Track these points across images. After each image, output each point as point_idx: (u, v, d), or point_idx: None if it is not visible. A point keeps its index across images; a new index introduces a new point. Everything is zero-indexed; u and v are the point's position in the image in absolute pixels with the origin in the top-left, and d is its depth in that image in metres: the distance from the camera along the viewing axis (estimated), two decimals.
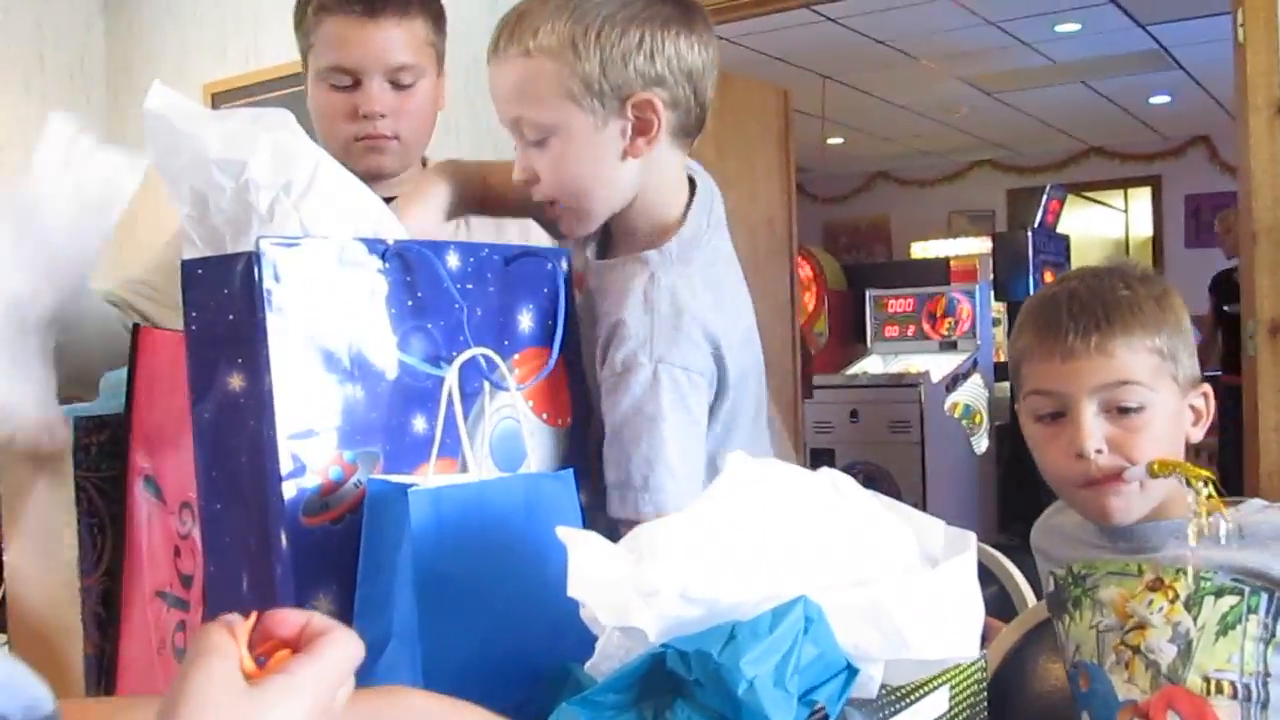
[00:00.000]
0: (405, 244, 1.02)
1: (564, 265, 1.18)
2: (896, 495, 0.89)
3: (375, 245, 0.99)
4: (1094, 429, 1.18)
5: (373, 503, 0.90)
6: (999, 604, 1.51)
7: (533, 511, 0.92)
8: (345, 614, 0.93)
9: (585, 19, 1.17)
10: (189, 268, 0.99)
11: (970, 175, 10.10)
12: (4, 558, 1.17)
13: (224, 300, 0.95)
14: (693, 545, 0.61)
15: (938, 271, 7.49)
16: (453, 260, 1.05)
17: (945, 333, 6.96)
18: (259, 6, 4.84)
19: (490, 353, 1.03)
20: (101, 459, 1.13)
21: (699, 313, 1.20)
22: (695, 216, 1.25)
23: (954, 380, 6.56)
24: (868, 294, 7.46)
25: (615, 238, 1.31)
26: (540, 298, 1.15)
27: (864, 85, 7.30)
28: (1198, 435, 1.25)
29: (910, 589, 0.65)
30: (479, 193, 1.36)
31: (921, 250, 9.58)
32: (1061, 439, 1.21)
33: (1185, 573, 1.13)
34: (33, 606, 1.16)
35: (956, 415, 6.47)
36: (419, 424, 1.00)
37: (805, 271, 7.76)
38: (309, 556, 0.92)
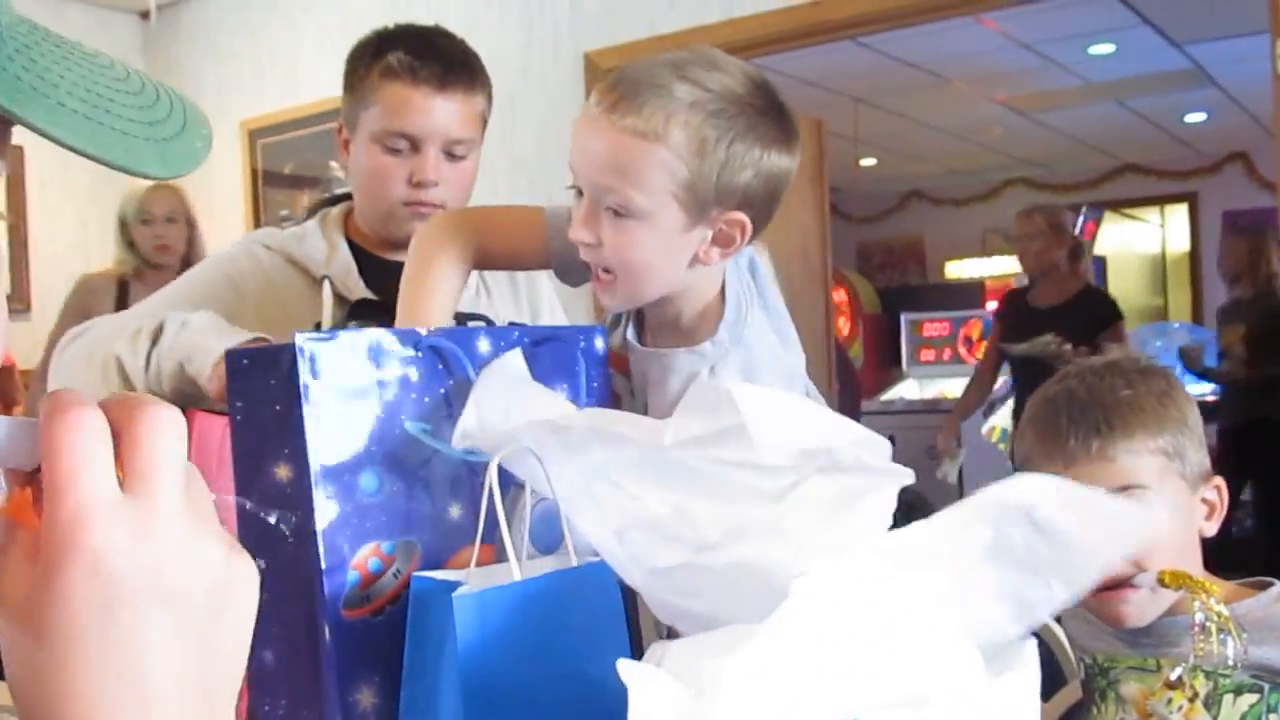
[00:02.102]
0: (436, 336, 1.03)
1: (598, 344, 1.18)
2: None
3: (408, 336, 1.01)
4: None
5: (417, 601, 0.91)
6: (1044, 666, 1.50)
7: (576, 606, 0.92)
8: (390, 705, 0.94)
9: (719, 125, 1.14)
10: (233, 359, 1.00)
11: (1004, 194, 10.04)
12: None
13: (268, 391, 0.96)
14: (753, 679, 0.61)
15: (973, 293, 7.46)
16: (483, 346, 1.06)
17: (981, 356, 6.91)
18: (296, 44, 4.89)
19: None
20: None
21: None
22: (734, 297, 1.25)
23: (991, 404, 6.51)
24: (903, 318, 7.43)
25: (652, 318, 1.30)
26: (573, 377, 1.15)
27: (896, 108, 7.28)
28: (1211, 529, 1.23)
29: (966, 709, 0.64)
30: (478, 262, 1.35)
31: (956, 270, 9.54)
32: None
33: (1203, 670, 1.11)
34: None
35: (994, 440, 6.42)
36: (455, 511, 1.01)
37: (840, 296, 7.73)
38: (351, 649, 0.93)
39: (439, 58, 1.62)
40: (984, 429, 6.34)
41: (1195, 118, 8.07)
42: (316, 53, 4.77)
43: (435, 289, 1.28)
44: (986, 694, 0.67)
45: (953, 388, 6.82)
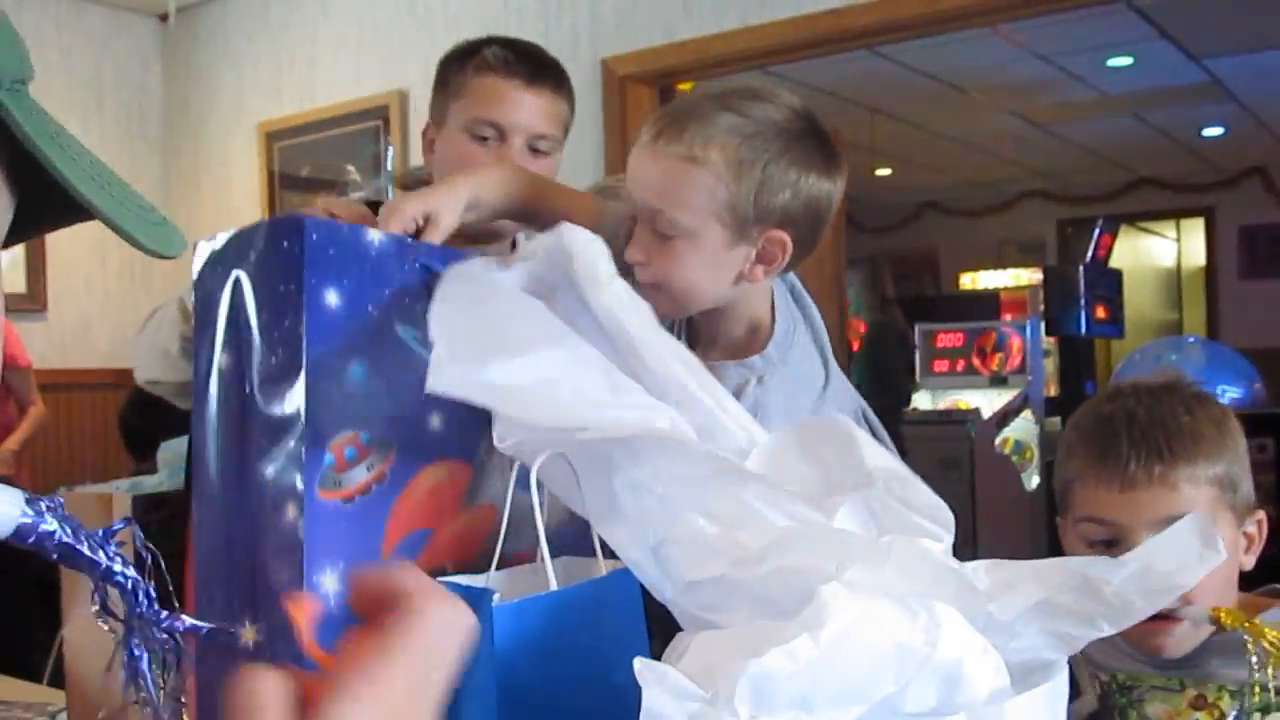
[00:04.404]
0: (432, 255, 1.04)
1: None
2: None
3: (406, 251, 1.01)
4: None
5: None
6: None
7: (603, 613, 0.92)
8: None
9: (755, 147, 1.22)
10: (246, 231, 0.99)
11: (1020, 205, 10.02)
12: (64, 632, 1.18)
13: (276, 261, 0.95)
14: (770, 685, 0.60)
15: (988, 305, 7.42)
16: None
17: (996, 368, 6.88)
18: (313, 48, 4.90)
19: None
20: (160, 536, 1.13)
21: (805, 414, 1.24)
22: (783, 319, 1.31)
23: (1004, 416, 6.48)
24: (917, 328, 7.40)
25: (704, 333, 1.36)
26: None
27: (913, 118, 7.27)
28: (1250, 563, 1.21)
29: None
30: (516, 213, 1.35)
31: (970, 281, 9.51)
32: None
33: (1229, 690, 1.10)
34: (91, 683, 1.17)
35: (1007, 451, 6.39)
36: (435, 421, 1.00)
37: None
38: (319, 530, 0.91)
39: (531, 58, 1.70)
40: (997, 440, 6.32)
41: (1213, 132, 8.04)
42: (334, 56, 4.78)
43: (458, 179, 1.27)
44: (1012, 707, 0.66)
45: (966, 399, 6.80)
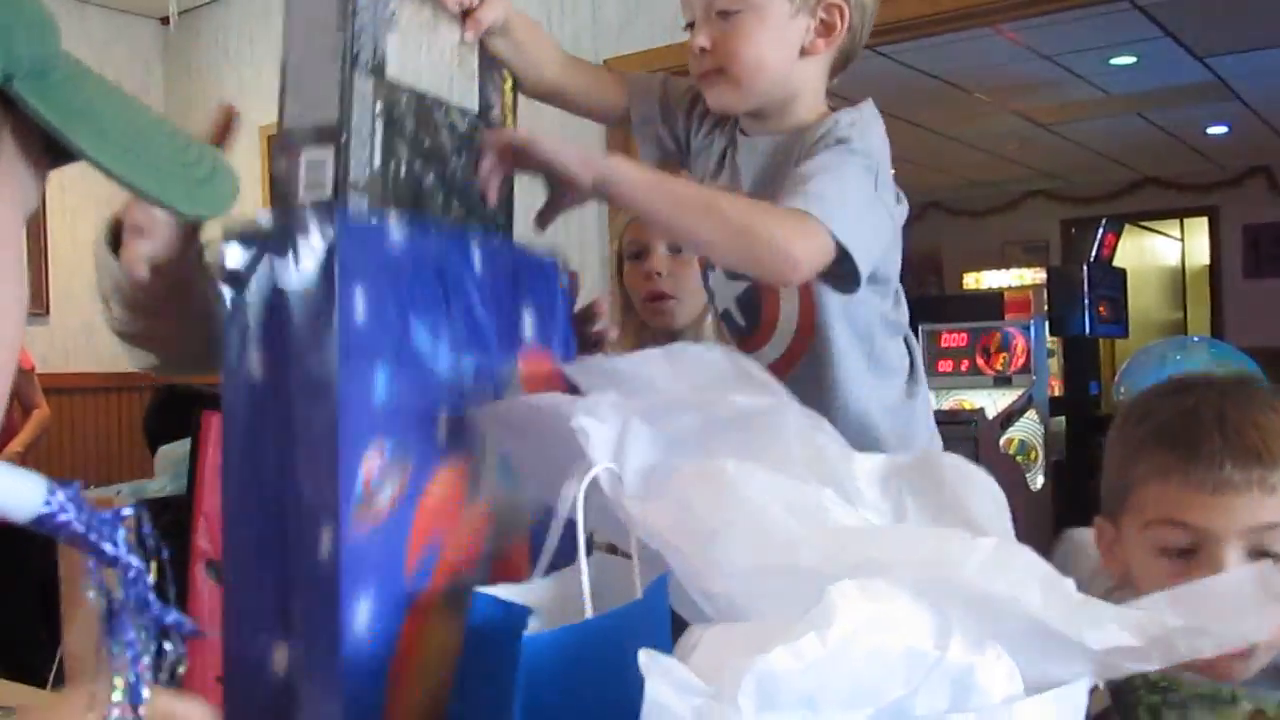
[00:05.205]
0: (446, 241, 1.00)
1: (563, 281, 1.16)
2: None
3: (417, 241, 0.96)
4: None
5: (482, 622, 0.86)
6: None
7: (632, 638, 0.87)
8: (380, 625, 0.90)
9: None
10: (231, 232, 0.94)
11: (1023, 205, 10.01)
12: (64, 638, 1.17)
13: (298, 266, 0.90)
14: (775, 683, 0.59)
15: (992, 304, 7.41)
16: (477, 262, 1.02)
17: (1000, 368, 6.87)
18: None
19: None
20: (163, 541, 1.13)
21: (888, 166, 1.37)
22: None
23: (1009, 417, 6.48)
24: (920, 328, 7.38)
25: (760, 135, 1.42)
26: (548, 316, 1.13)
27: (915, 118, 7.26)
28: None
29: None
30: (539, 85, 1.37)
31: (974, 281, 9.50)
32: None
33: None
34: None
35: (1012, 451, 6.39)
36: (441, 425, 0.96)
37: None
38: (353, 560, 0.88)
39: None
40: (1001, 440, 6.31)
41: (1217, 130, 8.03)
42: None
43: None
44: (1027, 710, 0.65)
45: (970, 399, 6.79)
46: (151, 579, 0.75)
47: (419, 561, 0.95)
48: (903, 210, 1.43)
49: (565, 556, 0.90)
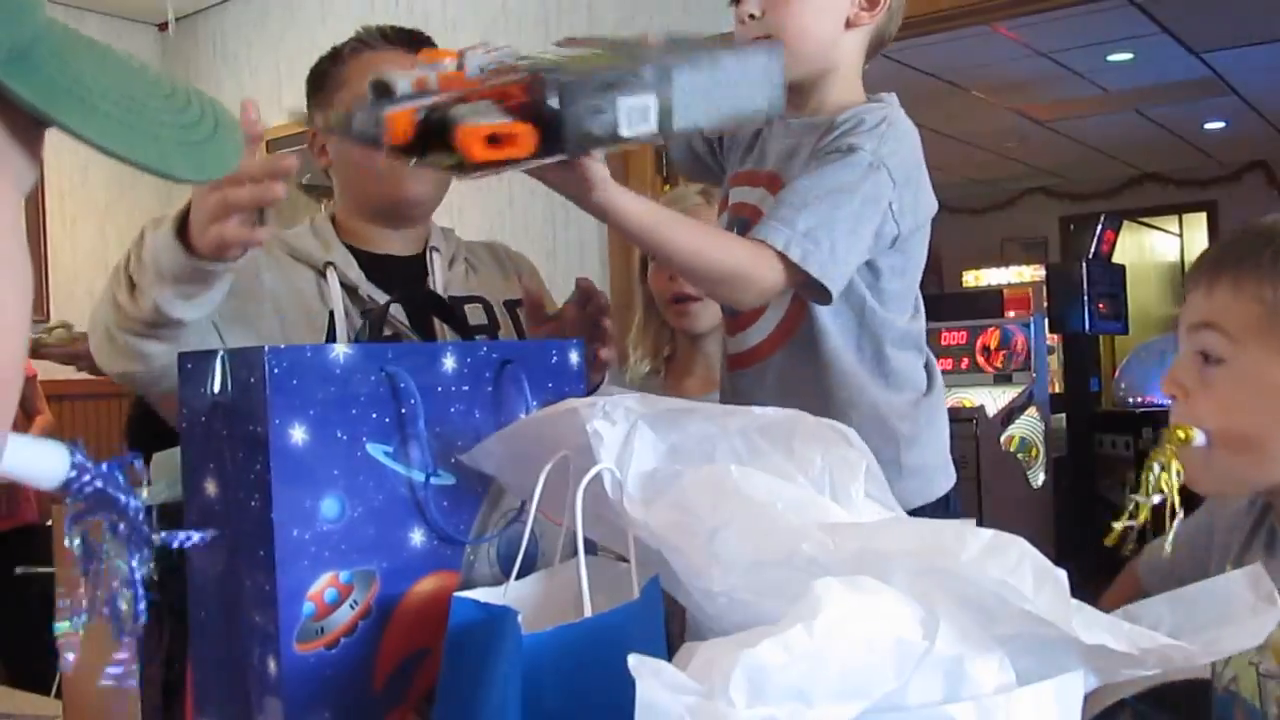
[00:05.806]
0: (393, 361, 0.98)
1: (573, 358, 1.09)
2: None
3: (373, 355, 0.96)
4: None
5: (462, 627, 0.86)
6: None
7: (626, 639, 0.87)
8: None
9: None
10: (184, 360, 0.98)
11: (1022, 202, 10.01)
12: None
13: (231, 400, 0.93)
14: (765, 676, 0.59)
15: (991, 302, 7.41)
16: (449, 364, 1.00)
17: (1000, 366, 6.87)
18: (313, 55, 4.89)
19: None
20: (162, 551, 1.13)
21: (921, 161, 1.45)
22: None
23: (1009, 414, 6.47)
24: None
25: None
26: (544, 394, 1.07)
27: (913, 117, 7.24)
28: None
29: (993, 711, 0.63)
30: None
31: (973, 279, 9.49)
32: None
33: None
34: (90, 697, 1.17)
35: (1013, 449, 6.38)
36: (417, 537, 0.97)
37: None
38: (301, 684, 0.90)
39: (401, 29, 1.70)
40: (1002, 438, 6.31)
41: (1214, 126, 8.03)
42: None
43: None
44: (1023, 697, 0.65)
45: (971, 397, 6.79)
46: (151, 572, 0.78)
47: (394, 675, 0.95)
48: (925, 211, 1.54)
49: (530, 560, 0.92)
